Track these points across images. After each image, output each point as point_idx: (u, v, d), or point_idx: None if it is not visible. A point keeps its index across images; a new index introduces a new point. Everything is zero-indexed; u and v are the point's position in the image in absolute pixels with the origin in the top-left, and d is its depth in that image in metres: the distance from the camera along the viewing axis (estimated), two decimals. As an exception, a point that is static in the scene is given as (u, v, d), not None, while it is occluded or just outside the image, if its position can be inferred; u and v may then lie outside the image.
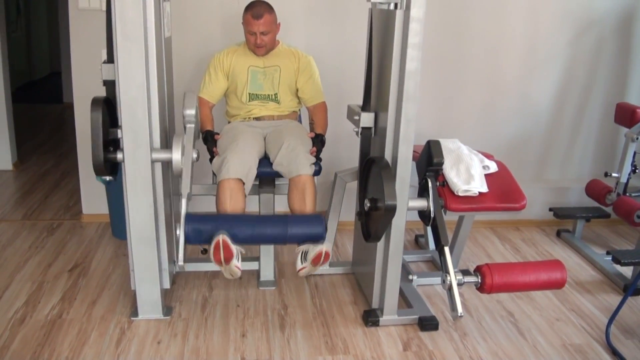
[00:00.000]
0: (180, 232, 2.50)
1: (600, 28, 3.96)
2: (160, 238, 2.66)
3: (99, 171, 2.43)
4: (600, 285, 3.32)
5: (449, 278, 2.47)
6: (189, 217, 2.53)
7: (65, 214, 3.96)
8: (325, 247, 2.57)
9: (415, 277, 3.09)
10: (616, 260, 3.18)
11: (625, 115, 3.62)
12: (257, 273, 3.15)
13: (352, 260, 3.29)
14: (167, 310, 2.77)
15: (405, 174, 2.54)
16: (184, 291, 3.00)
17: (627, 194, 3.55)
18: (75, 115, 3.69)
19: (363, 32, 2.85)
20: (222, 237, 2.44)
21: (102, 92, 2.55)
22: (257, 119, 3.05)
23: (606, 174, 3.59)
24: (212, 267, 3.09)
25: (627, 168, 3.54)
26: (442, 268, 2.53)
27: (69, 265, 3.23)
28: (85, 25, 3.51)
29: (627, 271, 3.37)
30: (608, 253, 3.46)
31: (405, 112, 2.45)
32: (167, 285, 2.78)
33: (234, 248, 2.48)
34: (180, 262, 2.49)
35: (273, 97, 3.03)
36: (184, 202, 2.47)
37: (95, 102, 2.41)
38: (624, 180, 3.54)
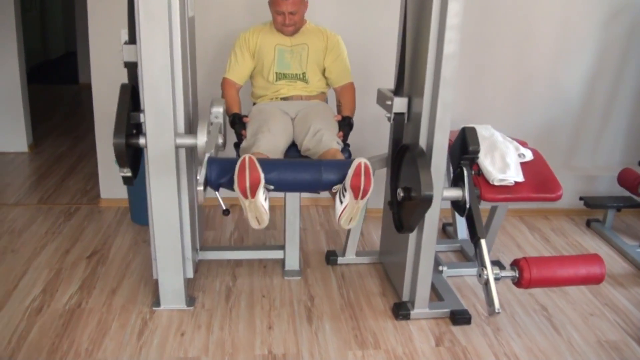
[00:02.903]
0: (202, 170, 2.19)
1: (636, 10, 3.78)
2: (184, 226, 2.57)
3: (120, 159, 2.32)
4: (632, 278, 3.20)
5: (485, 272, 2.36)
6: (212, 159, 2.26)
7: (83, 199, 3.88)
8: (362, 159, 2.23)
9: (445, 268, 2.98)
10: (651, 253, 3.07)
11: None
12: (282, 262, 3.05)
13: (379, 249, 3.18)
14: (190, 300, 2.69)
15: (441, 162, 2.42)
16: (207, 280, 2.91)
17: (661, 184, 3.42)
18: (93, 96, 3.59)
19: (392, 12, 2.73)
20: (248, 156, 2.16)
21: (121, 72, 2.44)
22: (285, 99, 2.92)
23: (640, 163, 3.47)
24: (235, 255, 3.04)
25: (662, 157, 3.42)
26: (478, 262, 2.42)
27: (87, 252, 3.15)
28: (104, 3, 3.39)
29: (661, 264, 3.26)
30: (642, 245, 3.36)
31: (442, 97, 2.32)
32: (190, 274, 2.69)
33: (262, 174, 2.17)
34: (200, 187, 2.16)
35: (301, 76, 2.91)
36: (206, 156, 2.23)
37: (123, 88, 2.30)
38: (658, 169, 3.42)
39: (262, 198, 2.21)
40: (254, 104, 3.01)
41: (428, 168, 2.29)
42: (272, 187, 2.26)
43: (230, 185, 2.22)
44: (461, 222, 3.48)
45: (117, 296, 2.74)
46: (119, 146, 2.26)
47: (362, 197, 2.22)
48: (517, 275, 2.40)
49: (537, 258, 2.45)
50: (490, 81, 3.80)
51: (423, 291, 2.63)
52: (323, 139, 2.60)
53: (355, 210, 2.27)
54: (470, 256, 3.24)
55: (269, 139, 2.59)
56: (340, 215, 2.29)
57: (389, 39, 3.09)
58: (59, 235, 3.34)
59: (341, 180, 2.27)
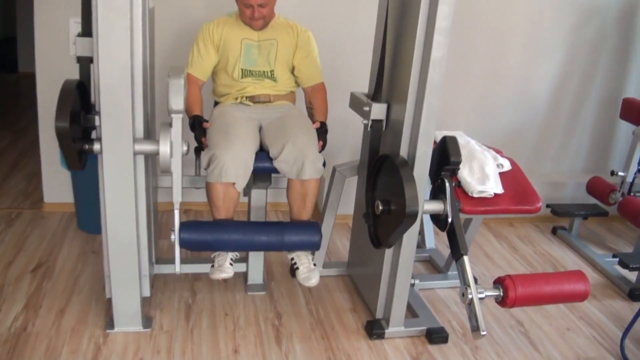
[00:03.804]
0: (176, 240, 2.34)
1: (603, 18, 3.76)
2: (141, 240, 2.34)
3: (73, 166, 2.08)
4: (603, 290, 3.15)
5: (470, 292, 2.22)
6: (183, 225, 2.37)
7: (25, 202, 3.56)
8: (314, 281, 2.48)
9: (417, 281, 2.82)
10: (624, 265, 3.02)
11: (632, 112, 3.43)
12: (244, 275, 2.84)
13: (347, 260, 3.01)
14: (147, 321, 2.46)
15: (423, 174, 2.27)
16: (164, 296, 2.68)
17: (632, 194, 3.38)
18: (37, 86, 3.25)
19: (366, 9, 2.56)
20: (222, 278, 2.46)
21: (68, 62, 2.18)
22: (251, 98, 2.70)
23: (612, 173, 3.41)
24: (194, 268, 2.81)
25: (634, 167, 3.37)
26: (460, 280, 2.28)
27: (31, 265, 2.86)
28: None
29: (630, 274, 3.21)
30: (614, 256, 3.31)
31: (428, 104, 2.16)
32: (147, 293, 2.46)
33: (231, 268, 2.48)
34: (178, 269, 2.38)
35: (269, 74, 2.69)
36: (176, 213, 2.29)
37: (67, 86, 2.04)
38: (629, 179, 3.38)
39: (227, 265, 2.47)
40: (216, 103, 2.78)
41: (412, 181, 2.13)
42: (237, 255, 2.56)
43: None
44: (429, 231, 3.36)
45: (67, 316, 2.48)
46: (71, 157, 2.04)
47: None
48: (501, 294, 2.27)
49: (521, 276, 2.33)
50: (459, 85, 3.68)
51: (399, 309, 2.49)
52: (306, 162, 2.40)
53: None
54: (441, 267, 3.11)
55: (231, 157, 2.34)
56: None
57: (361, 38, 2.93)
58: (1, 244, 3.04)
59: (300, 244, 2.49)
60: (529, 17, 3.66)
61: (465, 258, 2.26)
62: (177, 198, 2.22)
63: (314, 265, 2.51)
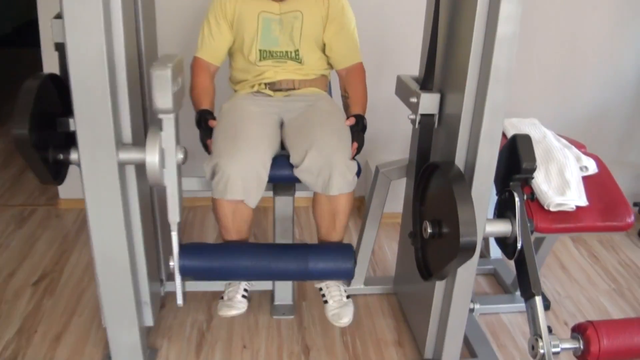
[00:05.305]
0: (176, 270, 1.91)
1: None
2: (138, 263, 1.94)
3: (43, 177, 1.71)
4: None
5: (541, 344, 1.71)
6: (184, 249, 1.93)
7: (40, 197, 3.25)
8: (346, 320, 2.03)
9: (477, 306, 2.32)
10: None
11: None
12: (271, 294, 2.43)
13: (394, 275, 2.54)
14: (151, 353, 2.08)
15: (485, 187, 1.76)
16: (175, 320, 2.30)
17: None
18: (43, 67, 2.88)
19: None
20: (230, 315, 2.07)
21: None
22: (271, 85, 2.23)
23: None
24: (212, 286, 2.40)
25: None
26: (530, 326, 1.77)
27: (34, 276, 2.54)
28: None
29: None
30: None
31: (493, 96, 1.64)
32: (149, 322, 2.07)
33: (244, 302, 2.08)
34: (180, 302, 1.94)
35: (293, 54, 2.21)
36: (174, 235, 1.83)
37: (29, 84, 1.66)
38: None
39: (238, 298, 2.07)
40: (235, 91, 2.33)
41: (469, 202, 1.62)
42: (252, 284, 2.14)
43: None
44: (495, 237, 2.84)
45: (62, 346, 2.13)
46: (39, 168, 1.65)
47: None
48: (581, 347, 1.75)
49: (606, 322, 1.78)
50: (528, 60, 3.11)
51: (452, 349, 2.01)
52: (335, 172, 1.92)
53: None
54: (507, 285, 2.60)
55: (239, 169, 1.89)
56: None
57: (409, 11, 2.42)
58: (6, 249, 2.74)
59: (329, 272, 2.04)
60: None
61: (537, 299, 1.75)
62: (173, 218, 1.80)
63: (348, 297, 2.07)
